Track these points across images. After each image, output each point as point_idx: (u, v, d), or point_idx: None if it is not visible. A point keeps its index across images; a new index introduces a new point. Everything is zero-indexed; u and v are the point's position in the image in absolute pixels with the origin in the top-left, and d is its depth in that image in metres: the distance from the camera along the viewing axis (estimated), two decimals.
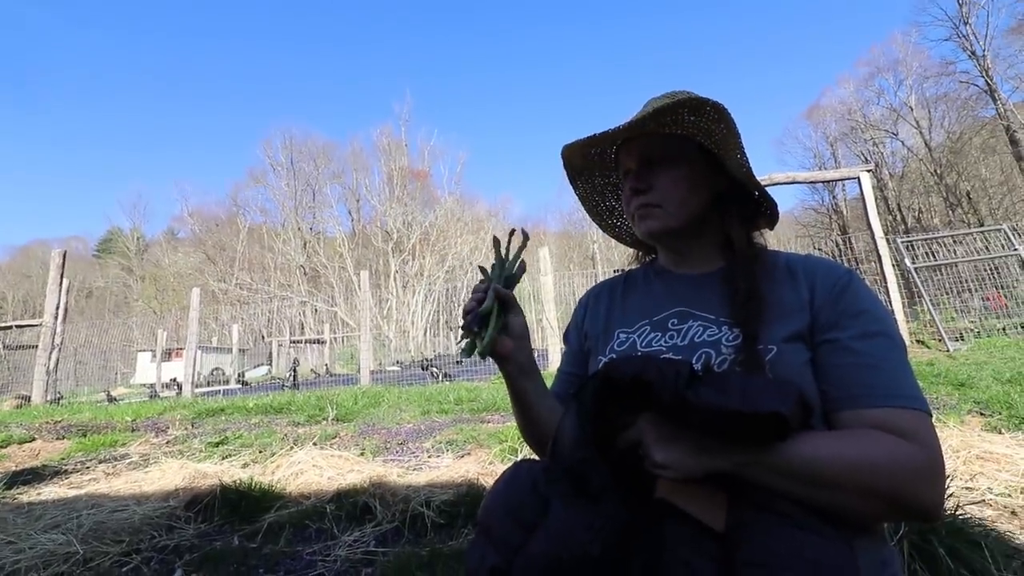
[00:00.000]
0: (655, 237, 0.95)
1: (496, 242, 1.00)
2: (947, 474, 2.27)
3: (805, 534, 0.57)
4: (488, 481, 3.02)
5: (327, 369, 18.10)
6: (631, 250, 1.18)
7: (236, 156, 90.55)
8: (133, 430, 5.61)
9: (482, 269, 0.98)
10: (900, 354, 0.75)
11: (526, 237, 1.04)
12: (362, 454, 3.91)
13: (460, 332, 0.93)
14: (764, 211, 0.99)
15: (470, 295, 0.94)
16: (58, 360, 10.33)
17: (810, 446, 0.64)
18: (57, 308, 10.13)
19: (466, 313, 0.91)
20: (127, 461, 4.26)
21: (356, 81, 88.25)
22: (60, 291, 10.24)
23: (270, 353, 21.70)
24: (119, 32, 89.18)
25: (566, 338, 1.13)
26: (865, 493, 0.62)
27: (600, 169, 1.07)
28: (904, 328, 7.34)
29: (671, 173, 0.92)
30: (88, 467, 4.14)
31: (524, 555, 0.61)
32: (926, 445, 0.67)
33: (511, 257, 0.99)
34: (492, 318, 0.90)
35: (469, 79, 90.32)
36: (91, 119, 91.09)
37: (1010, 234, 8.93)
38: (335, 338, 22.54)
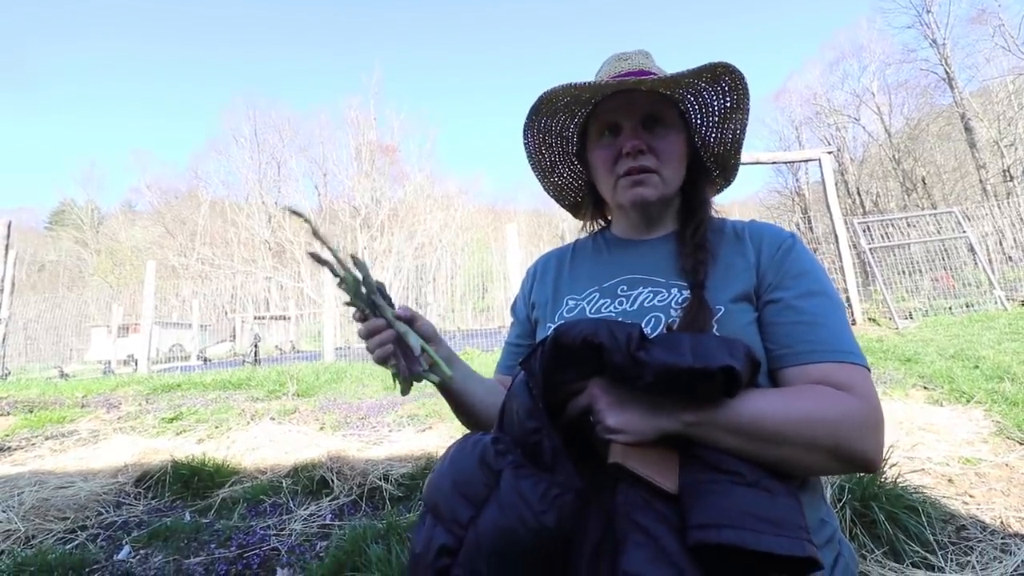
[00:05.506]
0: (641, 207, 0.91)
1: (317, 257, 0.79)
2: (890, 444, 2.37)
3: (755, 492, 0.57)
4: None
5: (292, 346, 17.79)
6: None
7: (197, 126, 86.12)
8: (83, 406, 5.44)
9: (346, 287, 0.81)
10: (840, 312, 0.78)
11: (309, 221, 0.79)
12: (321, 429, 3.87)
13: (393, 375, 0.84)
14: (715, 182, 1.04)
15: (367, 339, 0.83)
16: (5, 335, 9.89)
17: (757, 403, 0.64)
18: (2, 280, 9.65)
19: (383, 360, 0.83)
20: (75, 437, 4.12)
21: (324, 51, 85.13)
22: (5, 262, 9.74)
23: (233, 329, 21.17)
24: None
25: (513, 310, 1.11)
26: (810, 446, 0.64)
27: (561, 124, 1.00)
28: (857, 307, 7.60)
29: (671, 137, 0.90)
30: (33, 444, 3.99)
31: (474, 530, 0.59)
32: (865, 397, 0.69)
33: (340, 258, 0.80)
34: (424, 346, 0.84)
35: (439, 55, 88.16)
36: (40, 83, 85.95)
37: (960, 218, 9.33)
38: (301, 315, 22.11)
